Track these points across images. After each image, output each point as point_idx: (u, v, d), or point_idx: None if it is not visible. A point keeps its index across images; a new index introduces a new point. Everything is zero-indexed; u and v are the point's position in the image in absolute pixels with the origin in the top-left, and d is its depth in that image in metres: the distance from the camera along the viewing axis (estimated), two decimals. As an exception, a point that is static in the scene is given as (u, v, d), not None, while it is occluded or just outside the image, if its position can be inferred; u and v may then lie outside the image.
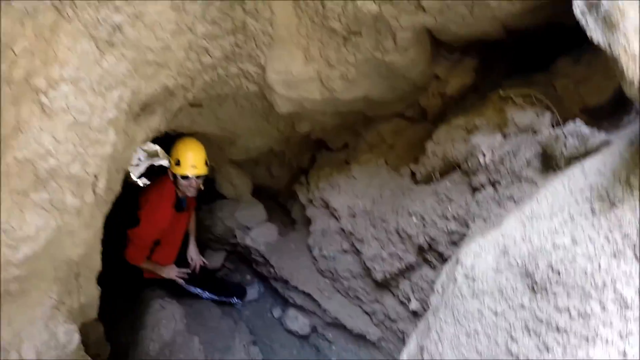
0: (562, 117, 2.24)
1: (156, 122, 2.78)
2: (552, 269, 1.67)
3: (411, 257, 3.12)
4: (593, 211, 1.63)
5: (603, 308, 1.59)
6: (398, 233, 3.13)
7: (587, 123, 2.07)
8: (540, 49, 2.77)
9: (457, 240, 2.70)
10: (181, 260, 4.34)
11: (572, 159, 1.88)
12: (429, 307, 2.41)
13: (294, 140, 4.07)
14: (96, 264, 2.56)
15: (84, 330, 2.71)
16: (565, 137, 1.88)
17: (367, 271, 3.48)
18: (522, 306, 1.78)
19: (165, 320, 3.97)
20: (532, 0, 2.29)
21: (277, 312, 4.59)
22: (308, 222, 4.16)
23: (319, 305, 4.02)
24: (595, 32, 1.27)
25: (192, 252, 4.43)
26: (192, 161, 3.64)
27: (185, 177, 3.68)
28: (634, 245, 1.54)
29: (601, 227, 1.60)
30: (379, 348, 3.79)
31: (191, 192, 3.82)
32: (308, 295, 4.10)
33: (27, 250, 1.91)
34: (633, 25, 1.17)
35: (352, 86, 2.94)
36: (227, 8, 2.53)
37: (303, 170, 4.46)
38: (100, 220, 2.46)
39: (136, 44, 2.20)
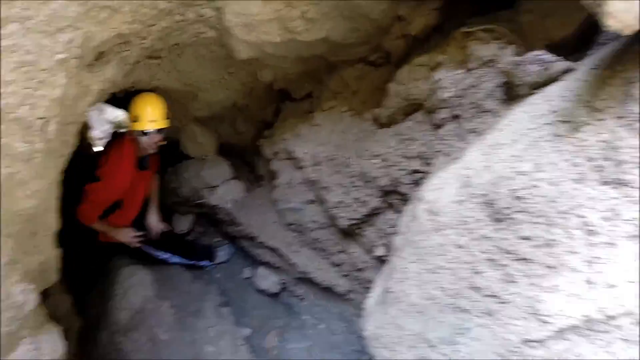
0: (527, 51, 2.19)
1: (112, 73, 2.64)
2: (515, 197, 1.63)
3: (375, 201, 3.09)
4: (556, 135, 1.58)
5: (568, 235, 1.56)
6: (362, 177, 3.09)
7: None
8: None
9: (419, 180, 2.66)
10: (141, 225, 4.23)
11: (535, 87, 1.82)
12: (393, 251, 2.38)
13: (257, 92, 3.95)
14: (52, 221, 2.44)
15: (52, 302, 2.65)
16: (527, 64, 1.82)
17: (332, 220, 3.44)
18: (486, 237, 1.75)
19: (135, 288, 3.88)
20: None
21: (247, 273, 4.56)
22: (274, 176, 4.09)
23: (287, 260, 4.00)
24: None
25: (151, 219, 4.31)
26: (150, 115, 3.51)
27: (145, 133, 3.56)
28: (599, 169, 1.50)
29: (564, 151, 1.56)
30: (348, 300, 3.79)
31: (153, 149, 3.70)
32: (275, 250, 4.07)
33: (-28, 201, 1.79)
34: None
35: (313, 27, 2.82)
36: None
37: (268, 124, 4.36)
38: (54, 173, 2.33)
39: (87, -15, 2.05)
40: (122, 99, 3.55)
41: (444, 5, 2.88)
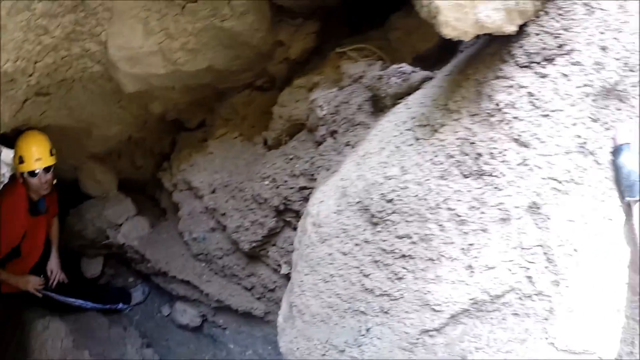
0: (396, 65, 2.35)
1: None
2: (386, 200, 1.73)
3: (271, 222, 3.15)
4: (417, 139, 1.71)
5: (441, 228, 1.66)
6: (255, 199, 3.13)
7: (420, 68, 2.18)
8: (378, 8, 2.89)
9: (308, 196, 2.73)
10: (43, 271, 3.96)
11: (398, 98, 1.96)
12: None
13: (151, 124, 3.91)
14: None
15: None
16: (389, 77, 1.95)
17: (236, 245, 3.45)
18: (367, 241, 1.82)
19: (51, 340, 3.64)
20: None
21: (166, 310, 4.40)
22: (176, 207, 4.01)
23: (201, 291, 3.91)
24: None
25: (53, 264, 4.05)
26: (35, 154, 3.33)
27: (33, 174, 3.37)
28: (459, 164, 1.63)
29: (426, 152, 1.68)
30: (268, 322, 3.78)
31: (44, 189, 3.51)
32: (188, 282, 3.97)
33: None
34: None
35: (195, 57, 2.88)
36: None
37: (166, 156, 4.28)
38: None
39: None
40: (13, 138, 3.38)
41: (320, 28, 3.03)
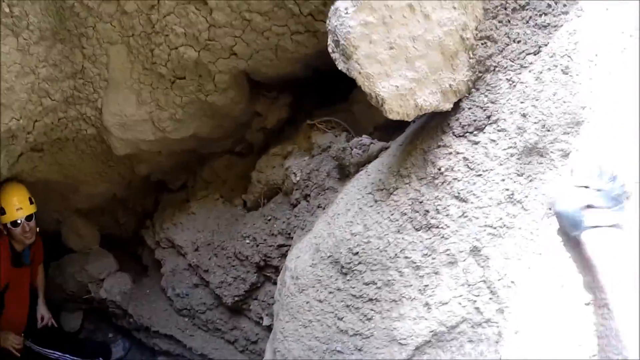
0: (359, 135, 2.65)
1: None
2: (353, 253, 1.96)
3: (253, 277, 3.31)
4: (376, 201, 1.97)
5: (400, 274, 1.89)
6: (237, 257, 3.29)
7: (380, 137, 2.48)
8: (343, 82, 3.20)
9: (285, 252, 2.93)
10: (34, 319, 3.94)
11: (361, 166, 2.23)
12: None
13: (136, 184, 4.06)
14: None
15: None
16: (351, 148, 2.23)
17: (219, 299, 3.56)
18: (339, 289, 2.04)
19: None
20: (322, 44, 2.68)
21: None
22: (158, 264, 4.11)
23: (184, 346, 3.97)
24: (339, 63, 1.62)
25: (42, 310, 4.02)
26: (17, 204, 3.35)
27: (15, 224, 3.38)
28: (411, 220, 1.89)
29: (384, 212, 1.93)
30: (251, 373, 3.84)
31: (28, 238, 3.50)
32: (171, 337, 4.03)
33: None
34: (365, 54, 1.52)
35: (182, 126, 3.09)
36: (68, 52, 2.65)
37: (148, 215, 4.42)
38: None
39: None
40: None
41: (293, 100, 3.32)
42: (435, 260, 1.79)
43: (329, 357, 2.12)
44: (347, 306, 2.05)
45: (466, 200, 1.72)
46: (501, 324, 1.59)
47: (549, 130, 1.56)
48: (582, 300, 1.43)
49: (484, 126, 1.70)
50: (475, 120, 1.72)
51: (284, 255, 2.99)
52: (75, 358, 4.11)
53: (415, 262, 1.85)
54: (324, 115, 2.89)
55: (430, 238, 1.81)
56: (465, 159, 1.73)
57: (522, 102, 1.63)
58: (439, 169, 1.78)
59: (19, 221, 3.37)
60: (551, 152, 1.57)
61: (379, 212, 1.95)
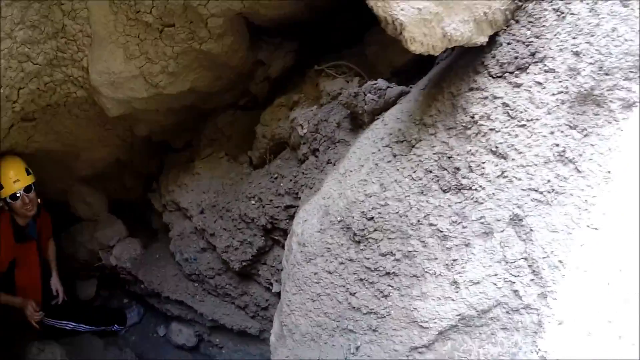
0: (374, 80, 2.31)
1: None
2: (367, 217, 1.68)
3: (260, 241, 3.09)
4: (394, 155, 1.65)
5: (423, 244, 1.61)
6: (242, 219, 3.07)
7: (398, 84, 2.13)
8: (354, 24, 2.85)
9: (294, 214, 2.69)
10: (47, 293, 3.87)
11: (376, 114, 1.91)
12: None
13: (138, 146, 3.86)
14: None
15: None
16: (364, 93, 1.91)
17: (226, 264, 3.39)
18: (351, 259, 1.77)
19: None
20: None
21: (161, 330, 4.33)
22: (167, 228, 3.94)
23: (195, 311, 3.85)
24: None
25: (56, 283, 3.95)
26: (13, 177, 3.24)
27: (14, 197, 3.27)
28: (438, 179, 1.58)
29: (404, 168, 1.62)
30: (263, 340, 3.71)
31: (30, 210, 3.38)
32: (182, 303, 3.90)
33: None
34: None
35: (176, 79, 2.84)
36: (45, 10, 2.44)
37: (154, 177, 4.21)
38: None
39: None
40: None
41: (299, 46, 3.01)
42: (467, 230, 1.52)
43: (340, 335, 1.91)
44: (361, 280, 1.81)
45: (506, 157, 1.42)
46: (542, 312, 1.36)
47: (607, 74, 1.30)
48: None
49: (527, 65, 1.42)
50: (516, 58, 1.43)
51: (292, 217, 2.74)
52: (90, 327, 4.11)
53: (441, 231, 1.57)
54: (333, 60, 2.55)
55: (460, 202, 1.54)
56: (504, 104, 1.43)
57: (573, 38, 1.36)
58: (472, 117, 1.48)
59: (17, 194, 3.27)
60: (610, 101, 1.31)
61: (398, 169, 1.66)
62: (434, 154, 1.58)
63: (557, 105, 1.36)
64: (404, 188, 1.62)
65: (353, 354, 1.85)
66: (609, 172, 1.29)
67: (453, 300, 1.54)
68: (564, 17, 1.37)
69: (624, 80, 1.29)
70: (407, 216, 1.62)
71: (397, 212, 1.62)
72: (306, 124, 2.34)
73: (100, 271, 4.52)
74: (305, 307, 2.00)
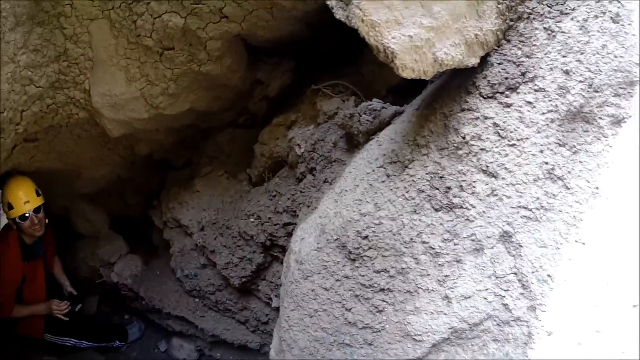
0: (370, 99, 2.32)
1: None
2: (362, 236, 1.68)
3: (259, 257, 3.09)
4: (388, 175, 1.66)
5: (416, 261, 1.62)
6: (242, 236, 3.07)
7: (393, 102, 2.15)
8: (350, 43, 2.87)
9: (292, 231, 2.69)
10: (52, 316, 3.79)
11: (371, 134, 1.92)
12: (283, 300, 2.37)
13: (139, 164, 3.85)
14: None
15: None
16: (360, 114, 1.92)
17: (226, 280, 3.38)
18: (347, 277, 1.78)
19: None
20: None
21: (162, 346, 4.27)
22: (167, 245, 3.93)
23: (196, 327, 3.83)
24: (337, 10, 1.29)
25: (69, 287, 3.96)
26: (23, 198, 3.27)
27: (24, 217, 3.29)
28: (430, 198, 1.59)
29: (397, 188, 1.63)
30: (264, 354, 3.67)
31: (38, 230, 3.42)
32: (182, 318, 3.88)
33: None
34: None
35: (176, 100, 2.84)
36: (48, 34, 2.46)
37: (155, 194, 4.20)
38: None
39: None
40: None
41: (297, 65, 3.02)
42: (458, 247, 1.53)
43: (337, 349, 1.91)
44: (356, 296, 1.81)
45: (496, 176, 1.44)
46: (532, 324, 1.39)
47: (596, 91, 1.33)
48: (630, 302, 1.22)
49: (517, 85, 1.43)
50: (507, 78, 1.44)
51: (290, 234, 2.74)
52: (91, 344, 4.06)
53: (434, 248, 1.59)
54: (330, 79, 2.55)
55: (452, 220, 1.55)
56: (495, 124, 1.44)
57: (563, 57, 1.37)
58: (464, 137, 1.49)
59: (27, 214, 3.30)
60: (599, 117, 1.33)
61: (391, 189, 1.67)
62: (426, 174, 1.59)
63: (547, 124, 1.38)
64: (397, 207, 1.63)
65: (351, 367, 1.85)
66: (597, 188, 1.31)
67: (445, 314, 1.56)
68: (554, 36, 1.39)
69: (613, 96, 1.30)
70: (400, 234, 1.63)
71: (391, 231, 1.63)
72: (303, 143, 2.34)
73: (102, 287, 4.47)
74: (303, 322, 1.99)
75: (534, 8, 1.43)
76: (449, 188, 1.54)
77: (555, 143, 1.37)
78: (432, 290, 1.61)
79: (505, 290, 1.42)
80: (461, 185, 1.49)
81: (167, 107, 2.85)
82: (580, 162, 1.34)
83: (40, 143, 3.06)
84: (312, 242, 1.89)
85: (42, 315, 3.73)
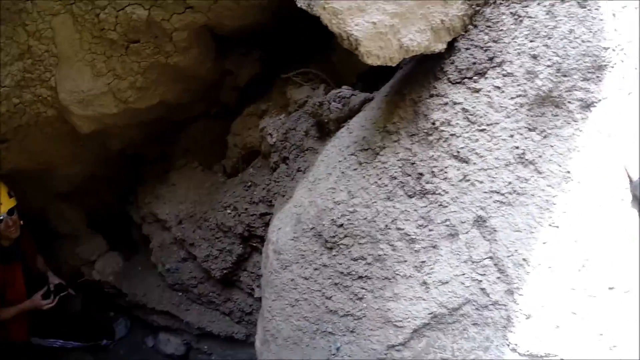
0: (341, 87, 2.28)
1: None
2: (337, 224, 1.67)
3: (238, 248, 3.06)
4: (360, 163, 1.64)
5: (393, 248, 1.61)
6: (220, 228, 3.03)
7: (364, 89, 2.12)
8: (319, 31, 2.83)
9: (269, 221, 2.66)
10: (37, 318, 3.75)
11: (342, 122, 1.89)
12: (264, 290, 2.36)
13: (112, 160, 3.77)
14: None
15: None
16: (329, 102, 1.89)
17: (208, 273, 3.35)
18: (325, 265, 1.76)
19: None
20: None
21: (150, 341, 4.25)
22: (147, 240, 3.87)
23: (182, 320, 3.81)
24: None
25: (54, 279, 3.81)
26: None
27: None
28: (403, 185, 1.57)
29: (370, 176, 1.61)
30: (251, 344, 3.65)
31: (13, 232, 3.32)
32: (167, 313, 3.85)
33: None
34: None
35: (145, 94, 2.78)
36: (10, 32, 2.46)
37: (132, 190, 4.11)
38: None
39: None
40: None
41: (266, 54, 2.96)
42: (433, 233, 1.53)
43: (320, 337, 1.90)
44: (335, 284, 1.80)
45: (467, 161, 1.43)
46: (510, 307, 1.40)
47: (565, 76, 1.32)
48: (606, 284, 1.25)
49: (485, 70, 1.42)
50: (474, 63, 1.43)
51: (267, 224, 2.70)
52: (79, 344, 4.05)
53: (409, 235, 1.58)
54: (300, 67, 2.51)
55: (425, 206, 1.54)
56: (464, 110, 1.43)
57: (531, 41, 1.36)
58: (433, 124, 1.48)
59: (1, 217, 3.20)
60: (568, 102, 1.33)
61: (364, 177, 1.65)
62: (397, 160, 1.57)
63: (516, 109, 1.37)
64: (371, 195, 1.61)
65: (334, 354, 1.84)
66: (569, 172, 1.31)
67: (424, 300, 1.55)
68: (521, 21, 1.37)
69: (582, 81, 1.30)
70: (375, 222, 1.61)
71: (366, 218, 1.62)
72: (275, 132, 2.31)
73: (85, 286, 4.37)
74: (285, 312, 1.98)
75: (500, -7, 1.40)
76: (421, 174, 1.52)
77: (525, 128, 1.37)
78: (410, 276, 1.60)
79: (482, 275, 1.42)
80: (433, 171, 1.48)
81: (137, 100, 2.79)
82: (551, 146, 1.34)
83: (11, 143, 3.00)
84: (288, 232, 1.87)
85: (25, 318, 3.65)
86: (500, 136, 1.38)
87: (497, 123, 1.38)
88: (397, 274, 1.63)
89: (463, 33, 1.45)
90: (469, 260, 1.44)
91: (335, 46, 2.63)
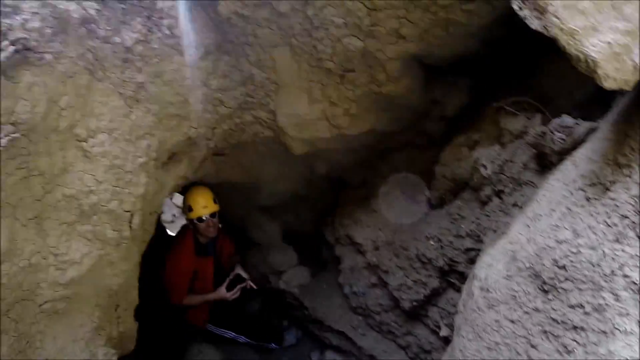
0: (555, 116, 2.16)
1: (183, 170, 2.94)
2: (558, 265, 1.55)
3: (435, 282, 3.02)
4: (588, 199, 1.52)
5: (615, 297, 1.45)
6: (419, 259, 3.03)
7: (581, 117, 1.97)
8: (527, 54, 2.71)
9: (474, 257, 2.58)
10: (217, 304, 4.24)
11: (564, 153, 1.77)
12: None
13: (316, 182, 4.06)
14: (134, 297, 2.66)
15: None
16: (552, 132, 1.78)
17: (396, 302, 3.36)
18: (537, 309, 1.65)
19: None
20: (497, 11, 2.28)
21: (315, 356, 4.41)
22: (337, 261, 4.07)
23: (354, 344, 3.90)
24: (532, 21, 1.23)
25: (240, 271, 4.26)
26: (202, 203, 3.78)
27: (200, 220, 3.79)
28: (635, 225, 1.42)
29: (599, 214, 1.48)
30: (418, 383, 3.57)
31: (211, 232, 3.91)
32: (342, 334, 3.99)
33: (73, 272, 2.07)
34: (562, 3, 1.12)
35: (357, 121, 2.94)
36: (234, 62, 2.73)
37: (328, 211, 4.39)
38: (137, 256, 2.57)
39: (158, 99, 2.40)
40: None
41: (473, 83, 2.94)
42: None
43: None
44: (545, 332, 1.64)
45: None
46: None
47: None
48: None
49: None
50: None
51: (471, 261, 2.65)
52: (248, 340, 4.42)
53: (636, 284, 1.39)
54: (509, 95, 2.43)
55: None
56: None
57: None
58: None
59: (204, 217, 3.80)
60: None
61: (592, 214, 1.51)
62: (629, 197, 1.41)
63: None
64: (598, 235, 1.47)
65: (525, 409, 1.71)
66: None
67: (642, 361, 1.34)
68: None
69: None
70: (600, 266, 1.46)
71: (590, 261, 1.48)
72: (490, 164, 2.25)
73: (267, 292, 4.76)
74: (480, 354, 1.87)
75: None
76: (657, 214, 1.35)
77: None
78: (630, 332, 1.40)
79: None
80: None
81: (349, 127, 2.97)
82: None
83: (227, 157, 3.42)
84: (501, 269, 1.79)
85: (207, 308, 4.18)
86: None
87: None
88: (617, 329, 1.44)
89: None
90: None
91: (545, 72, 2.50)
